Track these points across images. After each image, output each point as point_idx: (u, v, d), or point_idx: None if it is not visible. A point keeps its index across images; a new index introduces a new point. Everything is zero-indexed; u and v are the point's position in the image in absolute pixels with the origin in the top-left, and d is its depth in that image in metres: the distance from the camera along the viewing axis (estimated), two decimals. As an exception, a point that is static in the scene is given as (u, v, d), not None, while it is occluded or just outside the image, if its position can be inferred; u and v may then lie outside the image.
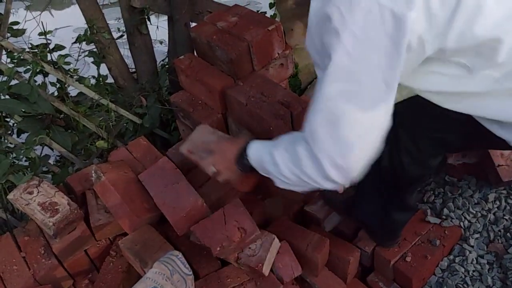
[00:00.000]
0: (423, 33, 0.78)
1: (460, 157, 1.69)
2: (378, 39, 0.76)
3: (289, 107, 1.37)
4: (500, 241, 1.51)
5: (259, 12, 2.17)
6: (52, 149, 1.83)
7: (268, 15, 2.29)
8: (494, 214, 1.57)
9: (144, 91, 2.10)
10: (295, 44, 2.10)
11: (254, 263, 1.25)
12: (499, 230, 1.53)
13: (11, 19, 1.80)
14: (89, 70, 2.45)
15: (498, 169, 1.56)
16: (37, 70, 1.73)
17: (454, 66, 0.87)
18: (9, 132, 1.78)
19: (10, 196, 1.36)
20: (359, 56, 0.78)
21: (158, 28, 2.38)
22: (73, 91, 1.99)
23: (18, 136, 1.83)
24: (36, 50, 1.83)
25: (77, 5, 2.05)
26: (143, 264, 1.28)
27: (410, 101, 1.05)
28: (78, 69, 2.04)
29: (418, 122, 1.09)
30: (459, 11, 0.77)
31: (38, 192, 1.36)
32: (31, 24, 2.01)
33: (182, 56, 1.64)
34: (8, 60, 1.75)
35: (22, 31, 1.86)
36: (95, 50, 2.12)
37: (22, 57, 1.72)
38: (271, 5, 2.43)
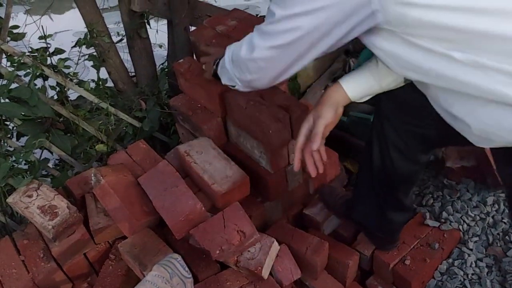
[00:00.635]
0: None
1: (459, 160, 1.69)
2: None
3: (288, 110, 1.38)
4: (499, 244, 1.51)
5: (258, 16, 2.18)
6: (51, 152, 1.83)
7: (267, 19, 2.30)
8: (492, 217, 1.58)
9: (144, 95, 2.10)
10: (294, 48, 2.11)
11: (253, 266, 1.25)
12: (498, 233, 1.53)
13: (11, 23, 1.80)
14: (88, 73, 2.46)
15: (496, 172, 1.57)
16: (37, 73, 1.73)
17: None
18: (9, 135, 1.79)
19: (10, 200, 1.36)
20: None
21: (158, 32, 2.39)
22: (72, 94, 1.99)
23: (17, 140, 1.83)
24: (36, 54, 1.84)
25: (77, 9, 2.06)
26: (143, 267, 1.28)
27: (391, 94, 1.10)
28: (77, 72, 2.05)
29: (399, 116, 1.15)
30: None
31: (37, 196, 1.36)
32: (31, 28, 2.02)
33: (182, 60, 1.64)
34: (8, 63, 1.76)
35: (22, 35, 1.87)
36: (95, 54, 2.13)
37: (22, 61, 1.73)
38: (270, 9, 2.44)
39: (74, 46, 2.04)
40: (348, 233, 1.59)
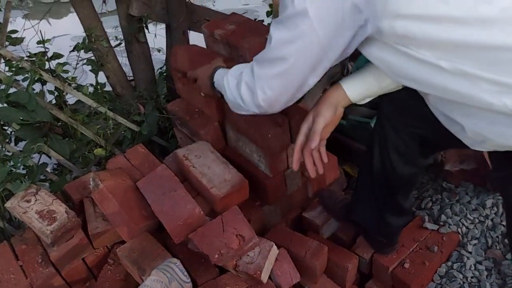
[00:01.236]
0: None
1: (458, 163, 1.70)
2: None
3: (287, 114, 1.38)
4: (498, 247, 1.51)
5: (256, 20, 2.18)
6: (50, 157, 1.83)
7: (265, 23, 2.31)
8: (491, 220, 1.58)
9: (142, 99, 2.10)
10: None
11: (252, 270, 1.25)
12: (497, 236, 1.54)
13: (10, 27, 1.80)
14: (87, 78, 2.46)
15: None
16: (35, 78, 1.74)
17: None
18: (7, 140, 1.78)
19: (8, 204, 1.35)
20: None
21: (156, 36, 2.40)
22: (71, 99, 1.99)
23: (16, 144, 1.83)
24: (34, 59, 1.84)
25: (75, 14, 2.06)
26: (141, 272, 1.28)
27: (391, 96, 1.11)
28: (76, 77, 2.05)
29: (399, 117, 1.16)
30: None
31: (35, 200, 1.35)
32: (30, 32, 2.02)
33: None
34: (7, 68, 1.75)
35: (21, 40, 1.87)
36: (93, 58, 2.13)
37: (20, 66, 1.73)
38: (268, 14, 2.45)
39: (72, 51, 2.04)
40: (347, 236, 1.59)
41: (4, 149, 1.73)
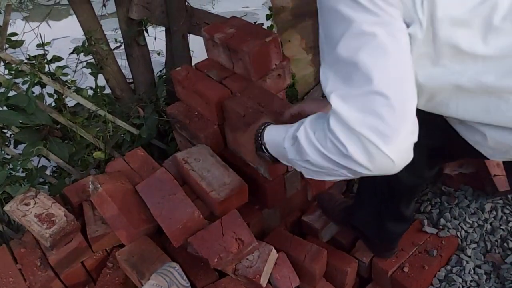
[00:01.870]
0: None
1: (457, 167, 1.70)
2: None
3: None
4: (497, 251, 1.51)
5: (256, 23, 2.19)
6: (49, 160, 1.83)
7: (265, 26, 2.31)
8: (490, 224, 1.58)
9: (142, 102, 2.10)
10: (292, 55, 2.12)
11: (251, 274, 1.25)
12: (496, 240, 1.54)
13: (10, 29, 1.80)
14: (86, 81, 2.46)
15: (494, 179, 1.57)
16: (35, 81, 1.73)
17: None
18: (6, 143, 1.78)
19: (7, 208, 1.35)
20: None
21: (156, 39, 2.40)
22: (70, 102, 1.99)
23: (15, 147, 1.83)
24: (34, 62, 1.84)
25: (75, 16, 2.06)
26: (140, 276, 1.27)
27: None
28: (75, 80, 2.05)
29: None
30: None
31: (34, 204, 1.35)
32: (29, 35, 2.02)
33: (179, 68, 1.64)
34: (6, 71, 1.75)
35: (21, 43, 1.87)
36: (92, 61, 2.13)
37: (20, 69, 1.73)
38: (268, 17, 2.45)
39: (72, 53, 2.04)
40: (346, 240, 1.59)
41: (3, 152, 1.73)
